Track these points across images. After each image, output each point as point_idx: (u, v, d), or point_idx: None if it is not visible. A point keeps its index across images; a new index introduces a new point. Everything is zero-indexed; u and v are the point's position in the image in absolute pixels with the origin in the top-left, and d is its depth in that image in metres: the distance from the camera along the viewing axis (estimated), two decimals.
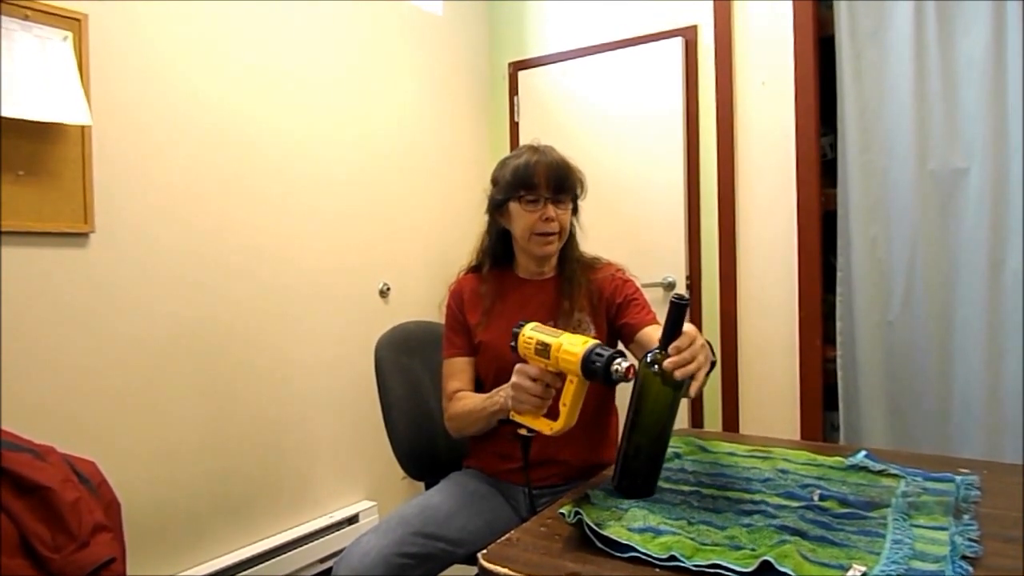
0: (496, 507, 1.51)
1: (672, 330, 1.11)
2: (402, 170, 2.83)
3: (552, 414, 1.24)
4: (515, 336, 1.27)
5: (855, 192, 2.42)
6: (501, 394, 1.36)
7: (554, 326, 1.51)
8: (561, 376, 1.22)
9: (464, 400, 1.53)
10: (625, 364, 1.12)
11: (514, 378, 1.27)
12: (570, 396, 1.20)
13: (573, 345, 1.18)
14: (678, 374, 1.08)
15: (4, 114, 1.63)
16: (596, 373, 1.14)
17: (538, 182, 1.50)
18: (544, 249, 1.55)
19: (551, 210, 1.51)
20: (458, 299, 1.63)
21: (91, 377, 1.87)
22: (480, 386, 1.62)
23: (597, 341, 1.18)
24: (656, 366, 1.11)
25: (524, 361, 1.27)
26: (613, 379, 1.12)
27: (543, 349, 1.21)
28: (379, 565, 1.27)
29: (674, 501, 1.13)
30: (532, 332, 1.25)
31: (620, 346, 1.59)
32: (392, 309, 2.72)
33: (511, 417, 1.30)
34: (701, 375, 1.10)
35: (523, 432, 1.28)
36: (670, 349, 1.10)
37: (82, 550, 1.33)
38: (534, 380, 1.23)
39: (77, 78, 1.76)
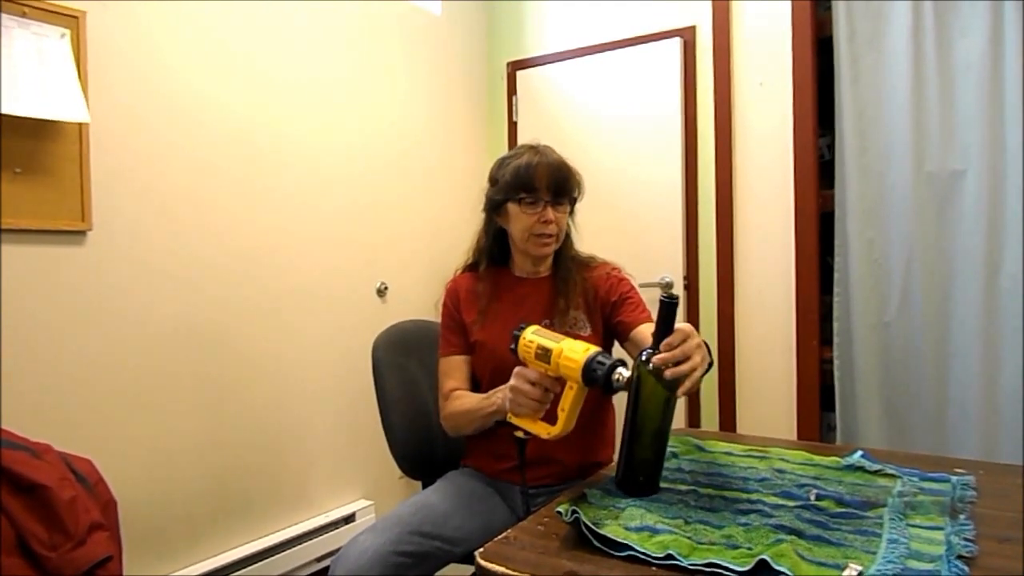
0: (493, 506, 1.51)
1: (663, 329, 1.11)
2: (400, 169, 2.83)
3: (550, 417, 1.24)
4: (515, 339, 1.26)
5: (852, 193, 2.42)
6: (499, 395, 1.36)
7: (549, 324, 1.52)
8: (560, 381, 1.22)
9: (461, 399, 1.53)
10: (626, 374, 1.12)
11: (513, 381, 1.26)
12: (569, 402, 1.20)
13: (574, 352, 1.17)
14: (668, 373, 1.08)
15: (2, 111, 1.62)
16: (596, 381, 1.14)
17: (538, 185, 1.50)
18: (541, 251, 1.56)
19: (550, 213, 1.51)
20: (454, 297, 1.63)
21: (88, 375, 1.86)
22: (476, 385, 1.62)
23: (598, 349, 1.17)
24: (651, 364, 1.12)
25: (523, 364, 1.27)
26: (613, 387, 1.13)
27: (543, 354, 1.21)
28: (376, 564, 1.27)
29: (671, 500, 1.13)
30: (533, 336, 1.24)
31: (619, 348, 1.60)
32: (390, 308, 2.72)
33: (508, 419, 1.30)
34: (696, 375, 1.09)
35: (520, 435, 1.28)
36: (661, 346, 1.10)
37: (78, 548, 1.33)
38: (533, 384, 1.23)
39: (75, 75, 1.76)
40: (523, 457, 1.35)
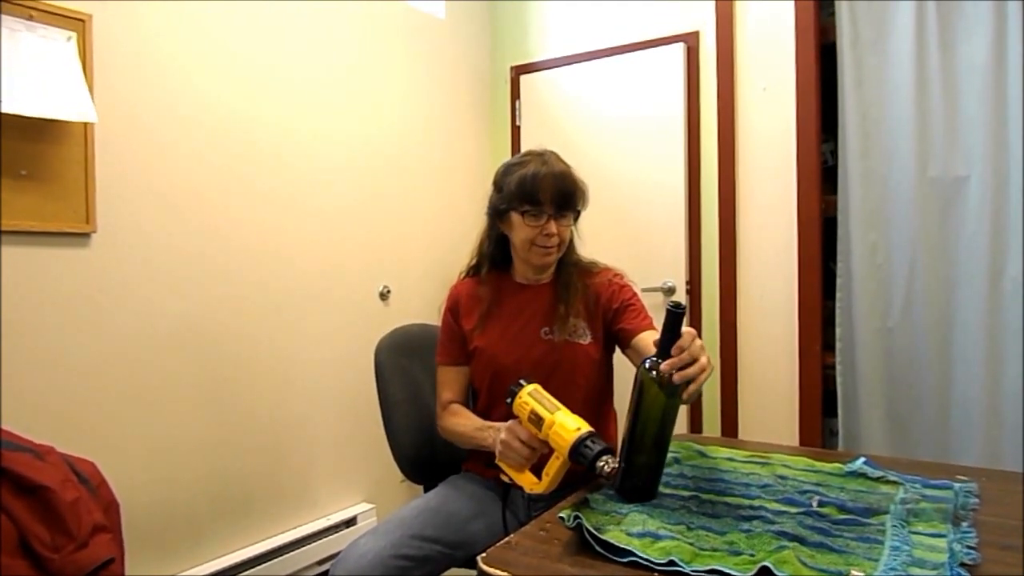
0: (494, 511, 1.51)
1: (669, 338, 1.11)
2: (403, 173, 2.83)
3: (537, 469, 1.27)
4: (512, 394, 1.28)
5: (855, 198, 2.42)
6: (491, 433, 1.38)
7: (549, 331, 1.52)
8: (548, 444, 1.23)
9: (457, 418, 1.55)
10: (612, 464, 1.13)
11: (503, 435, 1.30)
12: (554, 469, 1.23)
13: (565, 429, 1.19)
14: (677, 376, 1.09)
15: (9, 111, 1.63)
16: (581, 463, 1.16)
17: (543, 198, 1.49)
18: (542, 260, 1.56)
19: (552, 226, 1.50)
20: (454, 307, 1.63)
21: (91, 377, 1.87)
22: (475, 395, 1.63)
23: (590, 429, 1.18)
24: (654, 371, 1.12)
25: (517, 417, 1.29)
26: (596, 474, 1.14)
27: (536, 420, 1.23)
28: (377, 567, 1.27)
29: (673, 506, 1.13)
30: (528, 398, 1.26)
31: (620, 355, 1.60)
32: (392, 312, 2.72)
33: (496, 463, 1.33)
34: (702, 378, 1.10)
35: (505, 479, 1.32)
36: (672, 350, 1.10)
37: (81, 550, 1.33)
38: (522, 442, 1.26)
39: (81, 76, 1.77)
40: (506, 498, 1.43)
